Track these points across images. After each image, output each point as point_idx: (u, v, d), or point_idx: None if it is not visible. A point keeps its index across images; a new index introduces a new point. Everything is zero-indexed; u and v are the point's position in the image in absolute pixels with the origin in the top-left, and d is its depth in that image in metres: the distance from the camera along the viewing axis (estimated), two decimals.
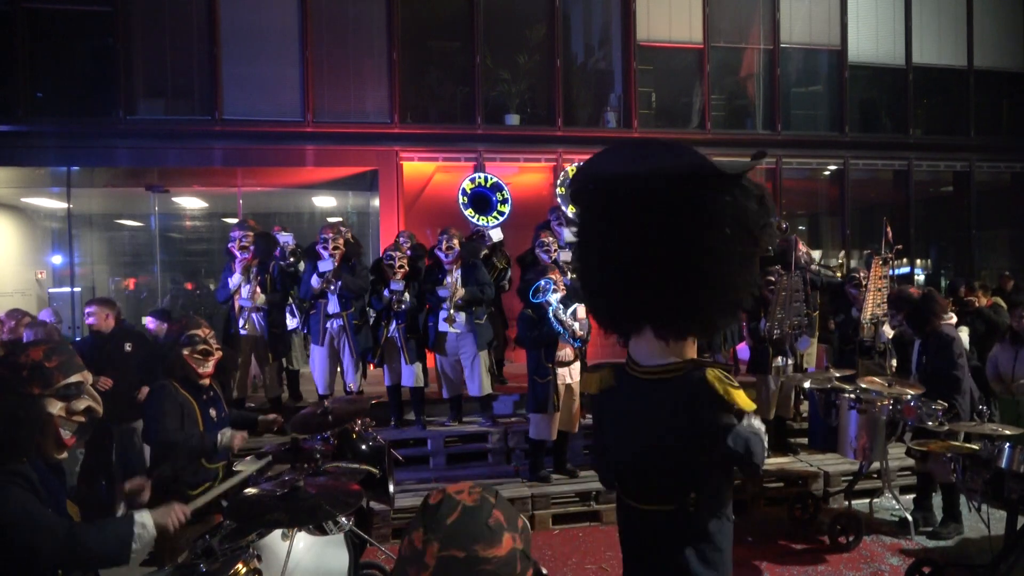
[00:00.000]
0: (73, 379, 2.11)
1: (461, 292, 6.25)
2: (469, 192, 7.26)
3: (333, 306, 6.35)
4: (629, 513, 2.41)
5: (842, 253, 8.98)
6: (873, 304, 6.21)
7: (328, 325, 6.38)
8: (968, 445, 4.29)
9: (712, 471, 2.32)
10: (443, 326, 6.29)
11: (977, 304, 7.53)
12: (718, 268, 2.27)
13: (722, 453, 2.25)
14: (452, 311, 6.21)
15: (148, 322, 6.63)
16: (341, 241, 6.40)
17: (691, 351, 2.39)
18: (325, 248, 6.27)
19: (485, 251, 7.10)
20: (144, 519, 2.20)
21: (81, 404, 2.12)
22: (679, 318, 2.31)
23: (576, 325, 5.56)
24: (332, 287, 6.25)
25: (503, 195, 7.34)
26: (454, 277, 6.31)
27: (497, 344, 7.23)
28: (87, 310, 5.89)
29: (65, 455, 2.15)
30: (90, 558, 2.05)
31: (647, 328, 2.35)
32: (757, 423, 2.31)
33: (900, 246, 6.88)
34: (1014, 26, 12.04)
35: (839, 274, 7.41)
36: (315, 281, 6.26)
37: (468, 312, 6.32)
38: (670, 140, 2.43)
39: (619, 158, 2.37)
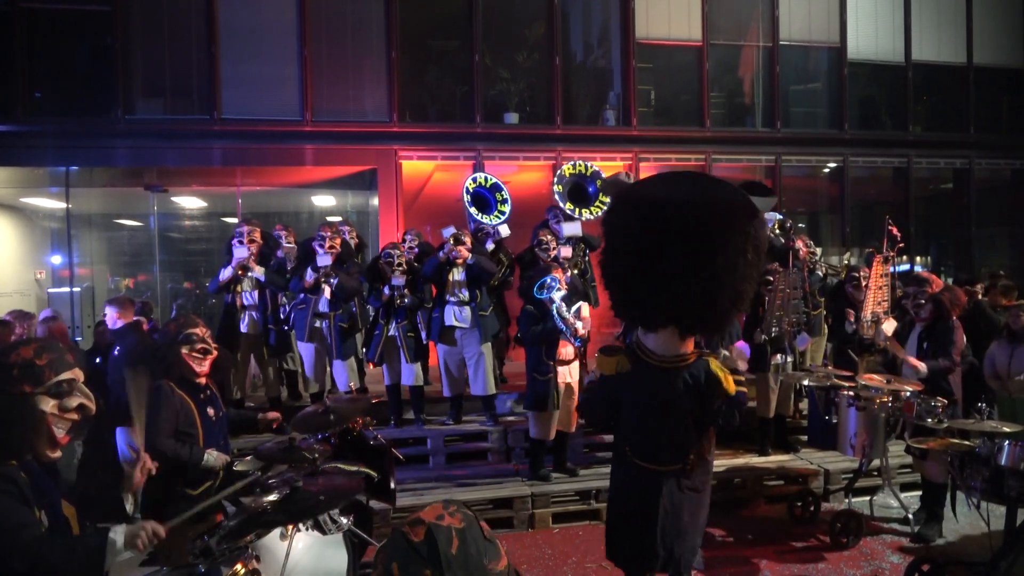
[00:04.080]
0: (64, 376, 2.09)
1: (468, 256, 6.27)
2: (471, 191, 7.28)
3: (324, 305, 6.33)
4: (638, 472, 3.03)
5: (847, 255, 8.95)
6: (874, 302, 6.19)
7: (318, 323, 6.36)
8: (966, 442, 4.28)
9: (704, 437, 3.07)
10: (449, 319, 6.29)
11: (980, 297, 7.50)
12: (739, 284, 2.90)
13: (712, 422, 3.03)
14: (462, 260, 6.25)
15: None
16: (338, 241, 6.41)
17: (692, 345, 3.08)
18: (321, 246, 6.28)
19: (492, 248, 7.12)
20: (116, 537, 2.15)
21: (73, 401, 2.10)
22: (703, 321, 2.94)
23: (579, 324, 5.55)
24: (329, 281, 6.23)
25: (502, 195, 7.35)
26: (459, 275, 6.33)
27: (498, 343, 7.22)
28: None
29: (59, 454, 2.13)
30: (57, 573, 2.00)
31: (670, 326, 2.96)
32: (742, 399, 3.08)
33: (903, 244, 6.87)
34: (1013, 23, 12.03)
35: (842, 273, 7.39)
36: (309, 276, 6.24)
37: (472, 305, 6.31)
38: (713, 176, 3.21)
39: (670, 187, 3.01)
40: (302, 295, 6.40)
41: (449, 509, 1.20)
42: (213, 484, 3.57)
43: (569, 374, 5.79)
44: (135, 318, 6.04)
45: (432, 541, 1.14)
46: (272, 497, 2.81)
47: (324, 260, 6.23)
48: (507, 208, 7.32)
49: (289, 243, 6.90)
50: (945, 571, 4.28)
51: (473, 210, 7.18)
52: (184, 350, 3.53)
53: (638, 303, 2.99)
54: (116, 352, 5.53)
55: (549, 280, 5.50)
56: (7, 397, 2.01)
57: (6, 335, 5.61)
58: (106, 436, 5.46)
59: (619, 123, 10.46)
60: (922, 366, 5.05)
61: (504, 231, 7.22)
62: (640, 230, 2.93)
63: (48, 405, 2.06)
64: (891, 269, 6.39)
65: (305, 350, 6.50)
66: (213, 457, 3.51)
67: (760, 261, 3.02)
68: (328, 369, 6.64)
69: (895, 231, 6.49)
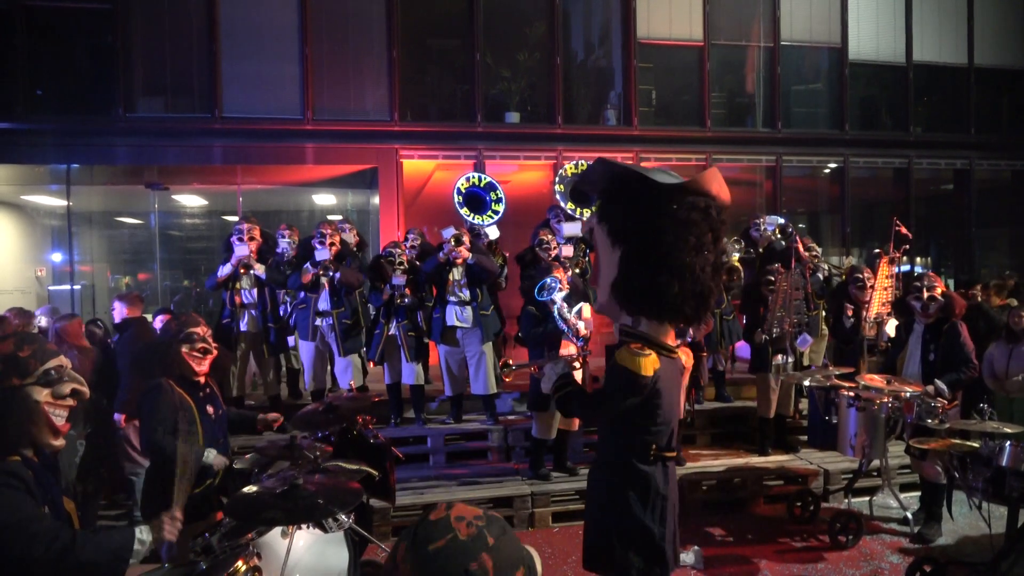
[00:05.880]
0: (51, 364, 2.09)
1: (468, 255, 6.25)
2: (464, 191, 7.25)
3: (324, 303, 6.32)
4: (664, 466, 3.06)
5: (848, 258, 8.93)
6: (878, 303, 6.18)
7: (319, 322, 6.37)
8: (968, 443, 4.28)
9: None
10: (451, 319, 6.29)
11: (980, 299, 7.50)
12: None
13: None
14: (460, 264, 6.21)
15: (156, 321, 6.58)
16: (337, 238, 6.41)
17: None
18: (321, 243, 6.28)
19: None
20: (143, 535, 2.19)
21: (66, 388, 2.11)
22: (705, 310, 3.09)
23: (581, 324, 5.54)
24: (326, 274, 6.22)
25: (497, 194, 7.32)
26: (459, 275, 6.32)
27: (497, 342, 7.21)
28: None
29: (62, 442, 2.14)
30: (85, 570, 2.02)
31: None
32: None
33: (908, 246, 6.85)
34: (1014, 23, 12.03)
35: (844, 274, 7.39)
36: (308, 269, 6.23)
37: (473, 305, 6.30)
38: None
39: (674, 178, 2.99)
40: (303, 294, 6.39)
41: (475, 521, 1.16)
42: (213, 482, 3.56)
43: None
44: (139, 315, 6.05)
45: (431, 526, 1.13)
46: (253, 488, 2.80)
47: (323, 254, 6.23)
48: (501, 208, 7.30)
49: (291, 240, 6.89)
50: (946, 571, 4.28)
51: (464, 211, 7.16)
52: (184, 348, 3.53)
53: (693, 298, 2.98)
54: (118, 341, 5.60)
55: (550, 281, 5.48)
56: None
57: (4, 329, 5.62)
58: (108, 435, 5.49)
59: (620, 123, 10.46)
60: (943, 390, 4.93)
61: (492, 233, 7.19)
62: (694, 223, 2.96)
63: (42, 395, 2.06)
64: (896, 270, 6.39)
65: (306, 349, 6.50)
66: (212, 456, 3.51)
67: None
68: (329, 368, 6.64)
69: (903, 230, 6.47)
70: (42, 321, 6.39)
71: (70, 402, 2.12)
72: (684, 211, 2.95)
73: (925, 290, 5.16)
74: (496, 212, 7.27)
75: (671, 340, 3.11)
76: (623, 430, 3.05)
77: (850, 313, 6.23)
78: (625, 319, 3.12)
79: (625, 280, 3.01)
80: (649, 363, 2.95)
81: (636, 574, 3.02)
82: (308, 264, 6.24)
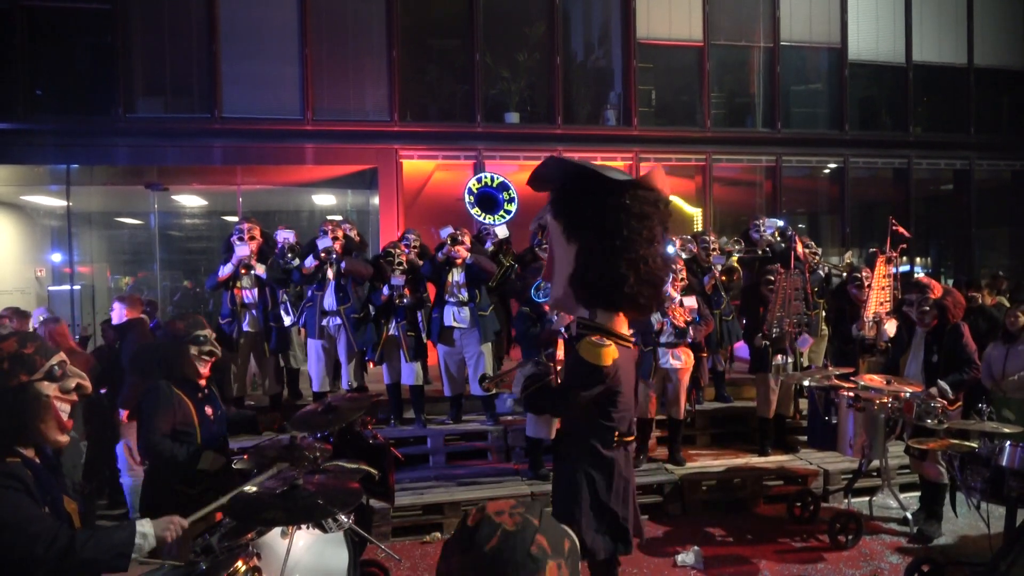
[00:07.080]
0: (54, 360, 2.11)
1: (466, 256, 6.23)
2: (476, 192, 7.22)
3: (330, 301, 6.28)
4: (626, 451, 3.25)
5: (848, 255, 8.94)
6: (876, 302, 6.18)
7: (325, 321, 6.35)
8: (967, 443, 4.28)
9: None
10: (448, 320, 6.28)
11: (980, 302, 7.51)
12: None
13: None
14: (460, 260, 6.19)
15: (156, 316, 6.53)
16: (340, 232, 6.40)
17: None
18: (324, 235, 6.27)
19: (492, 249, 7.08)
20: (146, 530, 2.19)
21: (71, 382, 2.12)
22: (657, 300, 3.34)
23: None
24: (329, 259, 6.17)
25: (510, 194, 7.29)
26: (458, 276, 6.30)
27: (499, 341, 7.20)
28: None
29: (67, 438, 2.14)
30: (87, 568, 2.03)
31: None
32: None
33: (905, 245, 6.86)
34: (1014, 24, 12.04)
35: (844, 273, 7.39)
36: (309, 262, 6.19)
37: (471, 305, 6.29)
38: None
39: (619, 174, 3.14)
40: (310, 292, 6.37)
41: (515, 510, 1.19)
42: (210, 483, 3.55)
43: None
44: (140, 316, 6.05)
45: (475, 530, 1.15)
46: (253, 488, 2.80)
47: (325, 242, 6.19)
48: (513, 207, 7.27)
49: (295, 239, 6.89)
50: (945, 571, 4.28)
51: (475, 211, 7.14)
52: (193, 350, 3.52)
53: (647, 288, 3.15)
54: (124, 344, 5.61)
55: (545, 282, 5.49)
56: (6, 390, 2.02)
57: None
58: (110, 435, 5.49)
59: (620, 123, 10.46)
60: (947, 391, 4.94)
61: (501, 232, 7.17)
62: (647, 216, 3.12)
63: (50, 389, 2.08)
64: (893, 270, 6.39)
65: (313, 348, 6.48)
66: (210, 458, 3.50)
67: None
68: (336, 367, 6.62)
69: (900, 230, 6.47)
70: (38, 323, 6.41)
71: (74, 396, 2.14)
72: (638, 205, 3.10)
73: (916, 307, 5.18)
74: (508, 212, 7.22)
75: (625, 330, 3.25)
76: (587, 419, 3.16)
77: (861, 327, 6.23)
78: (582, 312, 3.22)
79: (583, 273, 3.12)
80: (609, 353, 3.06)
81: (604, 554, 3.18)
82: (311, 256, 6.22)
